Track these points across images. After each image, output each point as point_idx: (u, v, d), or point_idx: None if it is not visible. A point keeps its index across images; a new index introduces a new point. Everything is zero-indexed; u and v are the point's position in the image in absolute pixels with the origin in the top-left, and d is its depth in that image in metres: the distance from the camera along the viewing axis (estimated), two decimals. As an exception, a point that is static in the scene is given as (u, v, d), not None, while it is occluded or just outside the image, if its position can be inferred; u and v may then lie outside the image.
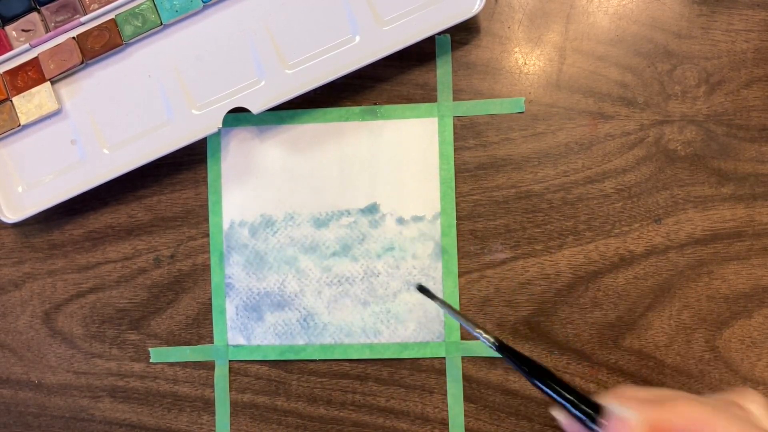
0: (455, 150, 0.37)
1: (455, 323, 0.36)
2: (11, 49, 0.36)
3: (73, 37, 0.36)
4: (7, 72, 0.37)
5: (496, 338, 0.29)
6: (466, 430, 0.36)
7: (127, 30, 0.36)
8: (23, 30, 0.37)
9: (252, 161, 0.38)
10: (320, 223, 0.37)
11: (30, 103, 0.36)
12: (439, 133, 0.37)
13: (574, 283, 0.36)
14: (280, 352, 0.38)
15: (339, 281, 0.37)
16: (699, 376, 0.35)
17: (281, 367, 0.38)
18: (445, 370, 0.37)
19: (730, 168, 0.36)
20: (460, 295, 0.36)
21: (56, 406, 0.39)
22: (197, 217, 0.38)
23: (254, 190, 0.38)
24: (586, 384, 0.36)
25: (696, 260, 0.36)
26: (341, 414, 0.37)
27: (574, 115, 0.36)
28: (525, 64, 0.37)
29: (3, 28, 0.37)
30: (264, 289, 0.38)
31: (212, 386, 0.38)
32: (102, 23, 0.36)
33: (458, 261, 0.37)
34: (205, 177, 0.38)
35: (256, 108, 0.36)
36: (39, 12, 0.37)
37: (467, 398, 0.36)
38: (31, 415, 0.40)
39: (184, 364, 0.38)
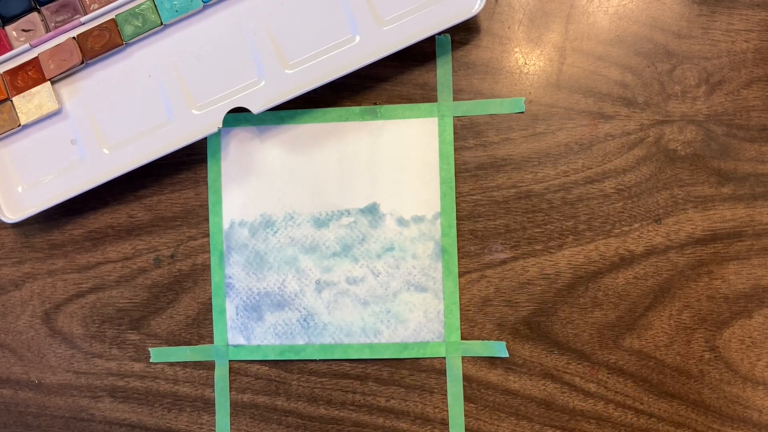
0: (455, 150, 0.37)
1: (455, 323, 0.36)
2: (11, 49, 0.36)
3: (74, 37, 0.36)
4: (7, 72, 0.37)
5: None
6: (466, 430, 0.36)
7: (127, 30, 0.36)
8: (23, 30, 0.37)
9: (252, 161, 0.38)
10: (320, 223, 0.37)
11: (30, 103, 0.36)
12: (439, 133, 0.37)
13: (574, 283, 0.36)
14: (280, 352, 0.38)
15: (339, 281, 0.37)
16: (699, 376, 0.35)
17: (281, 367, 0.38)
18: (445, 370, 0.37)
19: (730, 168, 0.36)
20: (460, 295, 0.36)
21: (56, 406, 0.39)
22: (197, 217, 0.38)
23: (254, 190, 0.38)
24: (586, 384, 0.36)
25: (696, 260, 0.36)
26: (341, 414, 0.37)
27: (574, 115, 0.36)
28: (525, 64, 0.37)
29: (3, 28, 0.37)
30: (264, 289, 0.38)
31: (212, 386, 0.38)
32: (102, 23, 0.36)
33: (458, 261, 0.37)
34: (205, 177, 0.38)
35: (256, 108, 0.36)
36: (39, 12, 0.37)
37: (467, 398, 0.36)
38: (31, 415, 0.40)
39: (184, 364, 0.38)
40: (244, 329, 0.38)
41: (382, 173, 0.37)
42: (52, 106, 0.36)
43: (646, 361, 0.36)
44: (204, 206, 0.38)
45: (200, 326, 0.38)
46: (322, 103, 0.38)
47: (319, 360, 0.37)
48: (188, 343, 0.38)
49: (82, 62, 0.36)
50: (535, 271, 0.36)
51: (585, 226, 0.36)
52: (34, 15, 0.36)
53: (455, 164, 0.37)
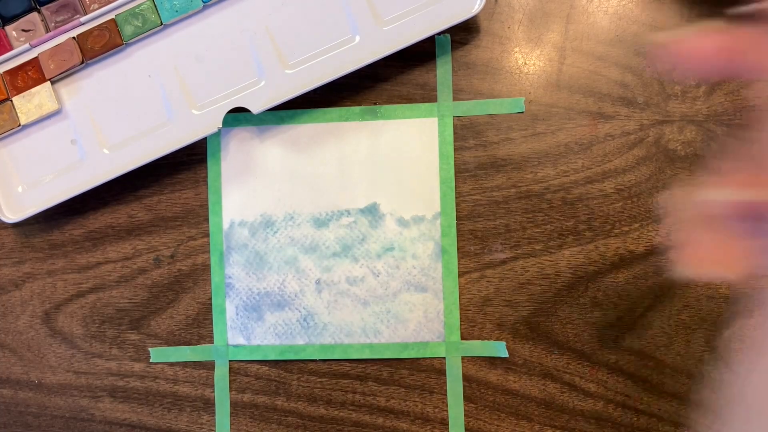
0: (455, 150, 0.37)
1: (455, 323, 0.36)
2: (11, 49, 0.36)
3: (73, 37, 0.36)
4: (7, 72, 0.37)
5: None
6: (466, 430, 0.36)
7: (127, 30, 0.36)
8: (23, 30, 0.37)
9: (252, 161, 0.38)
10: (320, 223, 0.37)
11: (30, 103, 0.36)
12: (439, 133, 0.37)
13: (574, 283, 0.36)
14: (280, 352, 0.38)
15: (339, 281, 0.37)
16: (699, 376, 0.35)
17: (281, 367, 0.38)
18: (445, 370, 0.37)
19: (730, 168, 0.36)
20: (460, 295, 0.36)
21: (56, 406, 0.39)
22: (197, 217, 0.38)
23: (254, 190, 0.38)
24: (586, 384, 0.36)
25: (696, 260, 0.36)
26: (341, 414, 0.37)
27: (574, 115, 0.36)
28: (525, 64, 0.37)
29: (3, 28, 0.37)
30: (264, 289, 0.38)
31: (212, 386, 0.38)
32: (102, 23, 0.36)
33: (458, 261, 0.37)
34: (205, 177, 0.38)
35: (256, 108, 0.36)
36: (39, 12, 0.37)
37: (467, 398, 0.36)
38: (31, 415, 0.40)
39: (184, 364, 0.38)
40: (244, 329, 0.38)
41: (382, 173, 0.37)
42: (52, 106, 0.36)
43: (646, 361, 0.36)
44: (204, 206, 0.38)
45: (200, 326, 0.38)
46: (322, 103, 0.38)
47: (319, 360, 0.37)
48: (188, 343, 0.38)
49: (82, 62, 0.36)
50: (535, 271, 0.36)
51: (585, 226, 0.36)
52: (34, 15, 0.36)
53: (455, 164, 0.37)
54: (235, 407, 0.38)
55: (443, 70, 0.37)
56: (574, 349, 0.36)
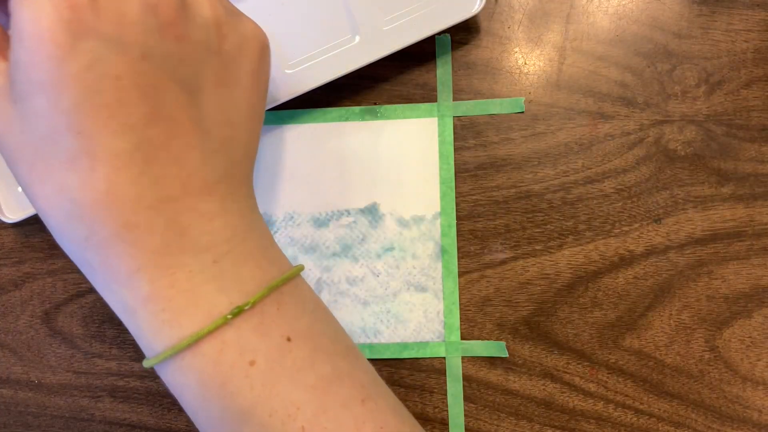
0: (455, 150, 0.37)
1: (455, 323, 0.36)
2: (11, 49, 0.36)
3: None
4: (7, 72, 0.36)
5: None
6: (466, 430, 0.36)
7: (127, 30, 0.36)
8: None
9: (252, 161, 0.38)
10: (320, 223, 0.37)
11: (30, 103, 0.36)
12: (439, 133, 0.37)
13: (574, 283, 0.36)
14: (280, 352, 0.37)
15: (339, 281, 0.37)
16: (699, 376, 0.35)
17: (281, 367, 0.38)
18: (444, 370, 0.37)
19: (730, 168, 0.36)
20: (460, 295, 0.36)
21: (56, 406, 0.39)
22: (197, 217, 0.38)
23: (254, 189, 0.38)
24: (586, 384, 0.36)
25: (696, 260, 0.36)
26: (341, 414, 0.37)
27: (574, 115, 0.36)
28: (525, 64, 0.37)
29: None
30: (264, 289, 0.38)
31: (212, 386, 0.38)
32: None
33: (458, 261, 0.37)
34: (205, 177, 0.38)
35: (256, 108, 0.36)
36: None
37: (467, 398, 0.36)
38: (31, 415, 0.40)
39: (184, 364, 0.38)
40: (244, 329, 0.38)
41: (381, 173, 0.37)
42: (52, 106, 0.36)
43: (646, 361, 0.36)
44: (204, 206, 0.38)
45: (200, 326, 0.38)
46: (322, 103, 0.38)
47: (319, 360, 0.37)
48: (188, 343, 0.38)
49: (82, 62, 0.36)
50: (535, 271, 0.36)
51: (585, 226, 0.36)
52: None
53: (455, 164, 0.37)
54: (235, 407, 0.38)
55: (443, 70, 0.37)
56: (574, 349, 0.36)
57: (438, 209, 0.37)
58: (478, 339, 0.36)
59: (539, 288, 0.36)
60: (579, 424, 0.36)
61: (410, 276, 0.37)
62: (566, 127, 0.36)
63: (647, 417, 0.36)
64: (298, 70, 0.36)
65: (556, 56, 0.37)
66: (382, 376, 0.37)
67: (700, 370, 0.36)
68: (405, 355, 0.37)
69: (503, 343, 0.36)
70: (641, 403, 0.36)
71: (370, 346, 0.37)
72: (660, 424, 0.36)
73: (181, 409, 0.38)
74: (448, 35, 0.37)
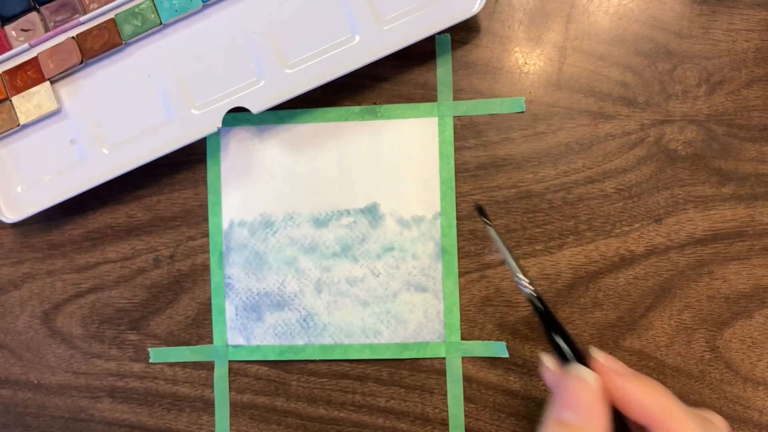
0: (455, 150, 0.37)
1: (455, 323, 0.36)
2: (10, 48, 0.36)
3: (73, 37, 0.36)
4: (6, 72, 0.36)
5: (537, 292, 0.29)
6: (466, 430, 0.36)
7: (127, 29, 0.36)
8: (23, 30, 0.37)
9: (252, 161, 0.38)
10: (320, 223, 0.37)
11: (29, 103, 0.36)
12: (439, 132, 0.37)
13: (575, 283, 0.36)
14: (279, 352, 0.37)
15: (339, 281, 0.37)
16: (699, 377, 0.35)
17: (281, 367, 0.38)
18: (445, 371, 0.37)
19: (730, 168, 0.36)
20: (460, 295, 0.36)
21: (55, 407, 0.39)
22: (197, 217, 0.38)
23: (254, 189, 0.38)
24: (587, 384, 0.36)
25: (696, 260, 0.36)
26: (341, 414, 0.37)
27: (575, 115, 0.36)
28: (525, 63, 0.37)
29: (2, 28, 0.37)
30: (263, 290, 0.38)
31: (212, 386, 0.38)
32: (101, 23, 0.36)
33: (458, 261, 0.36)
34: (205, 177, 0.38)
35: (255, 108, 0.35)
36: (38, 12, 0.36)
37: (467, 398, 0.36)
38: (30, 416, 0.39)
39: (184, 365, 0.38)
40: (244, 329, 0.38)
41: (382, 173, 0.37)
42: (51, 105, 0.36)
43: (646, 361, 0.36)
44: (203, 206, 0.38)
45: (200, 326, 0.38)
46: (322, 103, 0.37)
47: (319, 360, 0.37)
48: (188, 344, 0.38)
49: (82, 62, 0.36)
50: (535, 271, 0.36)
51: (585, 226, 0.36)
52: (34, 15, 0.36)
53: (455, 164, 0.37)
54: (235, 407, 0.38)
55: (443, 69, 0.37)
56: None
57: (438, 209, 0.37)
58: (479, 339, 0.36)
59: (539, 288, 0.36)
60: (579, 424, 0.36)
61: (410, 276, 0.37)
62: (567, 126, 0.36)
63: (648, 417, 0.36)
64: (298, 70, 0.36)
65: (557, 56, 0.37)
66: (382, 376, 0.37)
67: (701, 371, 0.35)
68: (405, 355, 0.37)
69: (503, 344, 0.36)
70: (642, 404, 0.36)
71: (370, 347, 0.37)
72: (660, 425, 0.36)
73: (180, 409, 0.38)
74: (448, 35, 0.37)
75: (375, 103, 0.37)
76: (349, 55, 0.35)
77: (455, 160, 0.37)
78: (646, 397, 0.24)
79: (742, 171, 0.35)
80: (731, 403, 0.35)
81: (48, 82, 0.36)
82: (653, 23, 0.36)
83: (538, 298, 0.29)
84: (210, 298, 0.38)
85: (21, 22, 0.36)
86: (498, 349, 0.36)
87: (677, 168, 0.36)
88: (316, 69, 0.35)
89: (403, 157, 0.37)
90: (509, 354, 0.36)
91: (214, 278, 0.38)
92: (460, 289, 0.36)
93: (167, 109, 0.36)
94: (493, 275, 0.36)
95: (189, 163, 0.38)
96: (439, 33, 0.36)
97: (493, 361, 0.36)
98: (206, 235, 0.38)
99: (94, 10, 0.36)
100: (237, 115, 0.38)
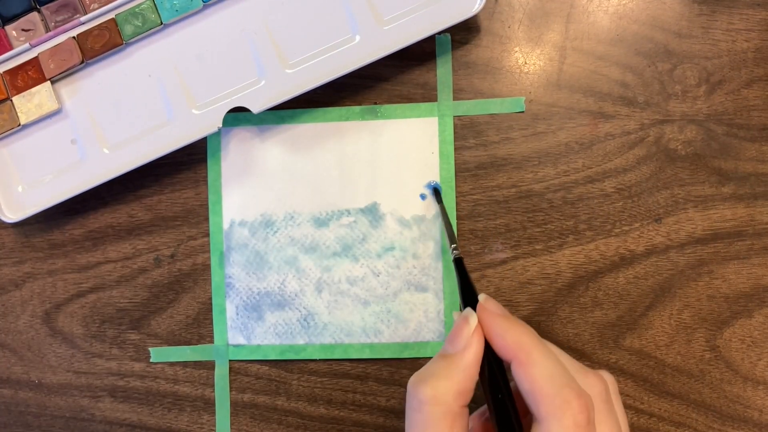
0: (455, 149, 0.37)
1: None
2: (11, 48, 0.36)
3: (73, 37, 0.36)
4: (7, 72, 0.37)
5: (459, 256, 0.32)
6: (466, 429, 0.36)
7: (127, 29, 0.36)
8: (23, 30, 0.37)
9: (252, 161, 0.38)
10: (320, 222, 0.37)
11: (30, 103, 0.36)
12: (440, 132, 0.37)
13: (575, 283, 0.36)
14: (280, 351, 0.37)
15: (339, 281, 0.37)
16: (699, 376, 0.35)
17: (281, 366, 0.38)
18: (445, 370, 0.37)
19: (730, 167, 0.36)
20: (461, 294, 0.36)
21: (56, 406, 0.39)
22: (197, 216, 0.38)
23: (254, 189, 0.38)
24: (587, 384, 0.36)
25: (696, 260, 0.36)
26: (341, 414, 0.37)
27: (575, 115, 0.36)
28: (525, 63, 0.37)
29: (3, 28, 0.37)
30: (264, 289, 0.38)
31: (212, 386, 0.38)
32: (102, 23, 0.36)
33: (458, 261, 0.37)
34: (205, 177, 0.38)
35: (256, 107, 0.36)
36: (39, 12, 0.36)
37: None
38: (31, 415, 0.40)
39: (185, 364, 0.38)
40: (244, 329, 0.38)
41: (382, 173, 0.37)
42: (52, 105, 0.36)
43: (646, 361, 0.36)
44: (204, 206, 0.38)
45: (200, 326, 0.38)
46: (322, 103, 0.38)
47: (320, 360, 0.37)
48: (188, 343, 0.38)
49: (82, 62, 0.36)
50: (535, 270, 0.36)
51: (585, 225, 0.36)
52: (34, 15, 0.36)
53: (455, 164, 0.37)
54: (236, 407, 0.38)
55: (443, 69, 0.37)
56: (574, 348, 0.36)
57: (439, 209, 0.37)
58: (479, 339, 0.36)
59: (540, 288, 0.36)
60: (579, 423, 0.36)
61: (411, 276, 0.37)
62: (567, 126, 0.36)
63: (648, 417, 0.36)
64: (298, 70, 0.36)
65: (557, 56, 0.37)
66: (382, 376, 0.37)
67: (701, 370, 0.36)
68: (405, 355, 0.37)
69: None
70: (642, 403, 0.36)
71: (371, 346, 0.37)
72: (660, 424, 0.36)
73: (181, 409, 0.38)
74: (448, 35, 0.37)
75: (375, 103, 0.37)
76: (350, 55, 0.35)
77: (455, 160, 0.37)
78: (507, 333, 0.26)
79: (741, 171, 0.36)
80: (731, 402, 0.35)
81: (49, 82, 0.36)
82: (653, 23, 0.36)
83: (460, 261, 0.32)
84: (211, 298, 0.38)
85: (22, 22, 0.37)
86: (498, 348, 0.36)
87: (677, 168, 0.36)
88: (317, 69, 0.35)
89: (404, 157, 0.37)
90: (509, 353, 0.36)
91: (215, 278, 0.38)
92: (461, 289, 0.36)
93: (168, 109, 0.36)
94: (493, 275, 0.36)
95: (190, 162, 0.38)
96: (439, 33, 0.36)
97: (493, 361, 0.36)
98: (207, 234, 0.38)
99: (94, 10, 0.36)
100: (237, 115, 0.38)
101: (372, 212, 0.37)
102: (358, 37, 0.35)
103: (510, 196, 0.37)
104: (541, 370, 0.25)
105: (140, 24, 0.36)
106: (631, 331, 0.36)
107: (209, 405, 0.38)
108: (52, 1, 0.36)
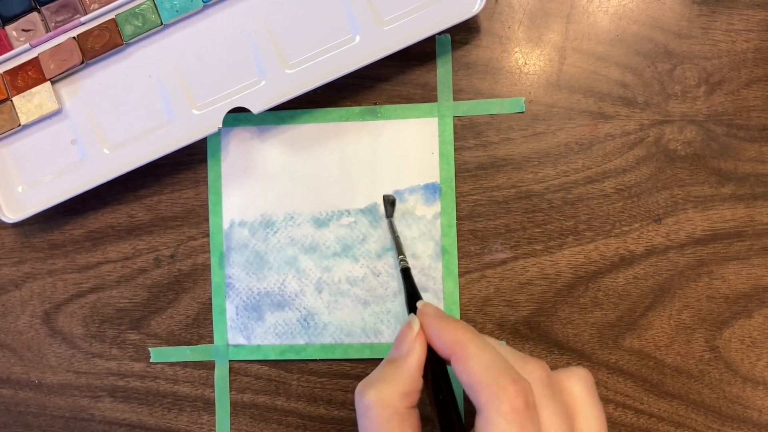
0: (455, 150, 0.37)
1: (455, 323, 0.36)
2: (11, 49, 0.36)
3: (74, 37, 0.36)
4: (7, 72, 0.37)
5: (406, 266, 0.33)
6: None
7: (128, 30, 0.36)
8: (23, 30, 0.37)
9: (252, 161, 0.38)
10: (320, 223, 0.37)
11: (30, 103, 0.36)
12: (439, 133, 0.37)
13: (574, 283, 0.36)
14: (280, 351, 0.38)
15: (339, 281, 0.37)
16: (699, 376, 0.35)
17: (281, 367, 0.38)
18: (445, 370, 0.37)
19: (730, 168, 0.36)
20: (460, 295, 0.36)
21: (56, 406, 0.39)
22: (197, 217, 0.38)
23: (254, 189, 0.38)
24: (586, 384, 0.36)
25: (696, 260, 0.36)
26: (341, 414, 0.37)
27: (575, 115, 0.36)
28: (525, 64, 0.37)
29: (3, 28, 0.37)
30: (264, 289, 0.38)
31: (212, 386, 0.38)
32: (102, 23, 0.36)
33: (458, 261, 0.37)
34: (205, 177, 0.38)
35: (256, 108, 0.36)
36: (39, 12, 0.37)
37: (467, 398, 0.36)
38: (31, 415, 0.40)
39: (184, 364, 0.38)
40: (244, 329, 0.38)
41: (382, 173, 0.37)
42: (52, 105, 0.36)
43: (646, 361, 0.36)
44: (204, 206, 0.38)
45: (200, 326, 0.38)
46: (322, 103, 0.38)
47: (319, 360, 0.37)
48: (188, 343, 0.38)
49: (82, 62, 0.36)
50: (535, 271, 0.36)
51: (585, 226, 0.36)
52: (34, 15, 0.36)
53: (455, 164, 0.37)
54: (235, 407, 0.38)
55: (443, 70, 0.37)
56: (574, 349, 0.36)
57: (438, 209, 0.37)
58: (479, 339, 0.36)
59: (539, 288, 0.36)
60: (579, 424, 0.36)
61: (410, 276, 0.37)
62: (566, 127, 0.36)
63: (647, 417, 0.36)
64: (298, 70, 0.36)
65: (557, 56, 0.37)
66: (382, 376, 0.37)
67: (701, 370, 0.36)
68: (405, 355, 0.37)
69: (503, 343, 0.36)
70: (641, 403, 0.36)
71: (371, 346, 0.37)
72: (660, 424, 0.36)
73: (181, 409, 0.38)
74: (448, 35, 0.37)
75: (375, 104, 0.37)
76: (350, 55, 0.35)
77: (455, 161, 0.37)
78: (443, 332, 0.27)
79: (741, 171, 0.36)
80: (731, 402, 0.35)
81: (49, 83, 0.36)
82: (653, 23, 0.36)
83: (407, 271, 0.33)
84: (210, 298, 0.38)
85: (22, 22, 0.37)
86: (498, 348, 0.36)
87: (677, 168, 0.36)
88: (317, 69, 0.35)
89: (403, 158, 0.37)
90: (509, 354, 0.36)
91: (215, 278, 0.38)
92: (460, 289, 0.36)
93: (168, 109, 0.36)
94: (493, 275, 0.36)
95: (190, 163, 0.38)
96: (439, 33, 0.36)
97: (493, 361, 0.36)
98: (207, 234, 0.38)
99: (94, 10, 0.36)
100: (237, 116, 0.38)
101: (372, 212, 0.37)
102: (358, 38, 0.35)
103: (510, 197, 0.37)
104: (477, 362, 0.25)
105: (140, 24, 0.36)
106: (630, 331, 0.36)
107: (209, 405, 0.38)
108: (52, 2, 0.36)
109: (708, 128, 0.36)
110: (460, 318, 0.36)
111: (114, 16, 0.36)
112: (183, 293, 0.38)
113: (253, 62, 0.36)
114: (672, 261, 0.36)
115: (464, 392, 0.26)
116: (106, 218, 0.39)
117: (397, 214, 0.37)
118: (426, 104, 0.37)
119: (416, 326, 0.28)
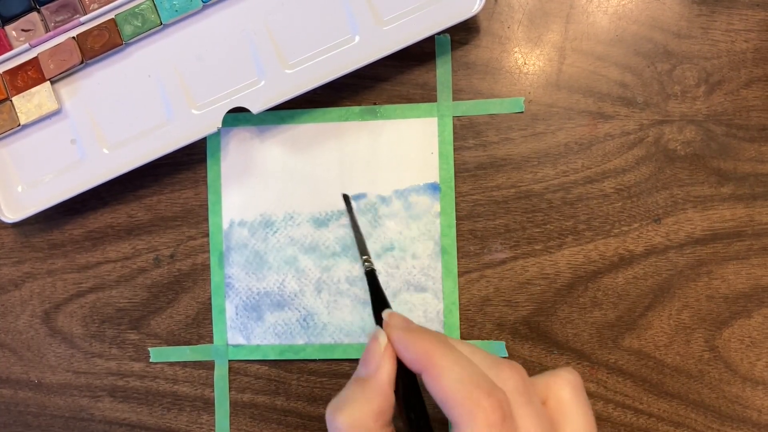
0: (455, 150, 0.37)
1: (455, 323, 0.36)
2: (11, 48, 0.36)
3: (73, 37, 0.36)
4: (6, 72, 0.37)
5: (371, 268, 0.33)
6: (465, 429, 0.36)
7: (127, 30, 0.36)
8: (23, 30, 0.37)
9: (252, 161, 0.38)
10: (320, 223, 0.37)
11: (30, 103, 0.36)
12: (439, 133, 0.37)
13: (574, 283, 0.36)
14: (279, 351, 0.38)
15: (339, 281, 0.37)
16: (698, 376, 0.36)
17: (281, 366, 0.38)
18: (444, 370, 0.37)
19: (729, 168, 0.36)
20: (460, 295, 0.36)
21: (56, 406, 0.39)
22: (197, 216, 0.38)
23: (254, 189, 0.38)
24: (586, 384, 0.36)
25: (695, 260, 0.36)
26: (341, 414, 0.37)
27: (574, 115, 0.36)
28: (525, 63, 0.37)
29: (3, 28, 0.37)
30: (264, 289, 0.38)
31: (212, 386, 0.38)
32: (102, 23, 0.36)
33: (458, 261, 0.37)
34: (205, 177, 0.38)
35: (255, 108, 0.36)
36: (39, 12, 0.37)
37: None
38: (30, 415, 0.40)
39: (184, 364, 0.38)
40: (244, 329, 0.38)
41: (381, 173, 0.37)
42: (51, 105, 0.36)
43: (645, 361, 0.36)
44: (204, 206, 0.38)
45: (200, 326, 0.38)
46: (322, 103, 0.38)
47: (319, 360, 0.37)
48: (188, 343, 0.38)
49: (82, 62, 0.36)
50: (534, 270, 0.36)
51: (584, 225, 0.36)
52: (34, 15, 0.36)
53: (455, 164, 0.37)
54: (235, 407, 0.38)
55: (443, 70, 0.37)
56: (573, 349, 0.36)
57: (438, 209, 0.37)
58: (478, 339, 0.36)
59: (539, 288, 0.36)
60: (579, 423, 0.36)
61: (410, 276, 0.37)
62: (566, 127, 0.36)
63: (647, 417, 0.36)
64: (298, 70, 0.36)
65: (556, 56, 0.37)
66: (381, 375, 0.37)
67: (700, 370, 0.36)
68: (405, 354, 0.37)
69: (503, 343, 0.36)
70: (641, 403, 0.36)
71: (370, 346, 0.37)
72: (660, 424, 0.36)
73: (180, 409, 0.38)
74: (448, 35, 0.37)
75: (375, 103, 0.37)
76: (349, 55, 0.35)
77: (455, 160, 0.37)
78: (412, 346, 0.26)
79: (740, 171, 0.36)
80: (730, 402, 0.35)
81: (48, 82, 0.36)
82: (652, 23, 0.36)
83: (372, 274, 0.33)
84: (210, 298, 0.38)
85: (21, 22, 0.37)
86: (497, 348, 0.36)
87: (676, 168, 0.36)
88: (316, 69, 0.35)
89: (403, 158, 0.37)
90: (509, 354, 0.36)
91: (215, 278, 0.38)
92: (460, 289, 0.37)
93: (167, 109, 0.36)
94: (493, 275, 0.37)
95: (189, 163, 0.38)
96: (439, 33, 0.36)
97: (492, 361, 0.36)
98: (206, 234, 0.38)
99: (94, 10, 0.36)
100: (237, 115, 0.38)
101: (372, 212, 0.37)
102: (357, 38, 0.35)
103: (509, 197, 0.37)
104: (448, 377, 0.25)
105: (140, 24, 0.36)
106: (630, 331, 0.36)
107: (209, 405, 0.38)
108: (52, 1, 0.36)
109: (707, 128, 0.36)
110: (460, 318, 0.36)
111: (113, 16, 0.36)
112: (182, 293, 0.38)
113: (253, 62, 0.36)
114: (671, 261, 0.36)
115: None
116: (106, 218, 0.39)
117: (397, 214, 0.37)
118: (425, 104, 0.37)
119: (383, 340, 0.27)
